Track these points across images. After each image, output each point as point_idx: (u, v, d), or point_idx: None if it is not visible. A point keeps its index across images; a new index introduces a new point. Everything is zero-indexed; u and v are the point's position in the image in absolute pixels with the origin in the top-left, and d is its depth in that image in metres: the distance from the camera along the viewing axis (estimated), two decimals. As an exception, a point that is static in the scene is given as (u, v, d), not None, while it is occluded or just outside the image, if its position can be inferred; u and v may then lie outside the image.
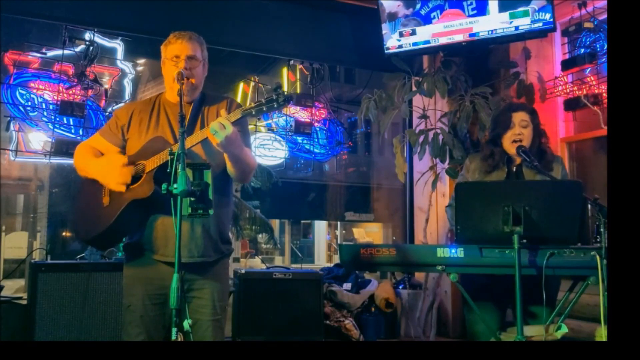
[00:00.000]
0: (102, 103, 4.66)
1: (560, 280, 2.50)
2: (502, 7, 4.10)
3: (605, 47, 3.98)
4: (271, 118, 5.69)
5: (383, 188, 10.65)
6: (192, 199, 1.74)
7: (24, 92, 4.44)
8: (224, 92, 6.22)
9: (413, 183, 5.00)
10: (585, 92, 4.15)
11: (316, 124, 5.58)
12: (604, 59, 4.04)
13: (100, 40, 4.53)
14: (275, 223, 12.71)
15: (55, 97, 4.29)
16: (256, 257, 8.93)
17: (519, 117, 2.59)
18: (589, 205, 2.21)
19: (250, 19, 4.65)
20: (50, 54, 4.50)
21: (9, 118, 4.34)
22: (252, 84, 5.95)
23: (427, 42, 4.35)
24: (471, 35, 4.20)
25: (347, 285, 4.63)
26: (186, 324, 1.64)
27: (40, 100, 4.46)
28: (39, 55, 4.51)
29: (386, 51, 4.49)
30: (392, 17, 4.47)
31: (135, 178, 2.08)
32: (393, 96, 4.41)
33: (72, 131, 4.48)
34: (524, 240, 2.12)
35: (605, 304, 2.03)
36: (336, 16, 4.99)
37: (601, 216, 2.09)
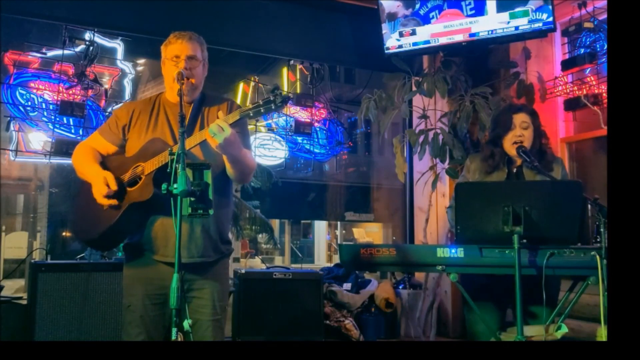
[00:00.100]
0: (102, 103, 4.66)
1: (561, 280, 2.50)
2: (500, 7, 4.10)
3: (605, 47, 3.99)
4: (271, 118, 5.69)
5: (383, 188, 10.66)
6: (192, 199, 1.74)
7: (24, 92, 4.44)
8: (224, 92, 6.24)
9: (413, 183, 5.00)
10: (585, 92, 4.15)
11: (316, 124, 5.59)
12: (604, 59, 4.04)
13: (100, 40, 4.53)
14: (275, 223, 12.71)
15: (55, 97, 4.29)
16: (256, 257, 8.94)
17: (520, 119, 2.59)
18: (589, 205, 2.21)
19: (250, 19, 4.65)
20: (50, 54, 4.50)
21: (9, 118, 4.34)
22: (252, 84, 5.95)
23: (427, 42, 4.35)
24: (471, 35, 4.20)
25: (347, 285, 4.63)
26: (186, 324, 1.64)
27: (40, 100, 4.46)
28: (39, 55, 4.51)
29: (386, 51, 4.49)
30: (392, 17, 4.47)
31: (135, 181, 2.08)
32: (393, 96, 4.41)
33: (72, 131, 4.49)
34: (524, 240, 2.12)
35: (605, 304, 2.03)
36: (336, 16, 5.00)
37: (601, 216, 2.09)
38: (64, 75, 4.35)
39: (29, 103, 4.44)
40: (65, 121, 4.46)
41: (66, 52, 4.34)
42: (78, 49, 4.30)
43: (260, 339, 3.75)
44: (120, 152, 2.23)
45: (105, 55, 4.76)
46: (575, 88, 4.23)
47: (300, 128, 5.23)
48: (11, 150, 4.52)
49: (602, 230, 2.08)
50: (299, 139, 5.68)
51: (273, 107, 1.88)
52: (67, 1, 4.13)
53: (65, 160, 4.40)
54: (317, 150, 5.84)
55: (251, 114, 1.92)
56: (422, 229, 4.58)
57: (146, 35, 4.50)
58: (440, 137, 4.22)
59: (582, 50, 4.17)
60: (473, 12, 4.18)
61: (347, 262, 2.42)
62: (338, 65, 5.85)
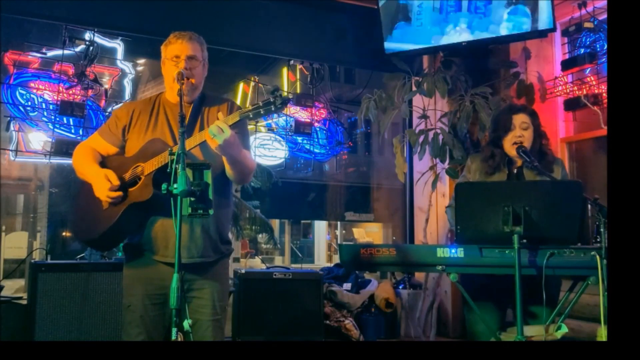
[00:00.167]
0: (102, 103, 4.66)
1: (561, 280, 2.50)
2: (500, 7, 4.10)
3: (605, 47, 3.99)
4: (271, 118, 5.69)
5: (383, 188, 10.66)
6: (192, 199, 1.74)
7: (24, 92, 4.44)
8: (224, 92, 6.24)
9: (413, 183, 5.00)
10: (585, 92, 4.15)
11: (316, 124, 5.59)
12: (604, 59, 4.04)
13: (100, 40, 4.53)
14: (275, 223, 12.71)
15: (55, 97, 4.29)
16: (256, 257, 8.94)
17: (520, 119, 2.59)
18: (589, 205, 2.21)
19: (250, 19, 4.65)
20: (50, 54, 4.50)
21: (9, 118, 4.34)
22: (252, 84, 5.95)
23: (427, 42, 4.35)
24: (471, 35, 4.20)
25: (347, 285, 4.63)
26: (186, 324, 1.64)
27: (40, 100, 4.46)
28: (39, 55, 4.51)
29: (386, 51, 4.49)
30: (392, 17, 4.46)
31: (134, 181, 2.08)
32: (393, 96, 4.41)
33: (72, 131, 4.49)
34: (524, 240, 2.12)
35: (605, 304, 2.03)
36: (336, 16, 5.00)
37: (601, 216, 2.09)
38: (64, 75, 4.35)
39: (29, 103, 4.44)
40: (65, 121, 4.46)
41: (66, 52, 4.34)
42: (78, 49, 4.30)
43: (260, 339, 3.75)
44: (120, 154, 2.22)
45: (105, 55, 4.76)
46: (575, 88, 4.23)
47: (300, 128, 5.23)
48: (11, 150, 4.52)
49: (602, 230, 2.09)
50: (299, 139, 5.68)
51: (273, 109, 1.88)
52: (67, 1, 4.13)
53: (65, 160, 4.40)
54: (317, 150, 5.84)
55: (251, 116, 1.92)
56: (422, 229, 4.58)
57: (146, 35, 4.50)
58: (440, 137, 4.22)
59: (582, 50, 4.17)
60: (473, 12, 4.18)
61: (347, 262, 2.42)
62: (338, 65, 5.85)
